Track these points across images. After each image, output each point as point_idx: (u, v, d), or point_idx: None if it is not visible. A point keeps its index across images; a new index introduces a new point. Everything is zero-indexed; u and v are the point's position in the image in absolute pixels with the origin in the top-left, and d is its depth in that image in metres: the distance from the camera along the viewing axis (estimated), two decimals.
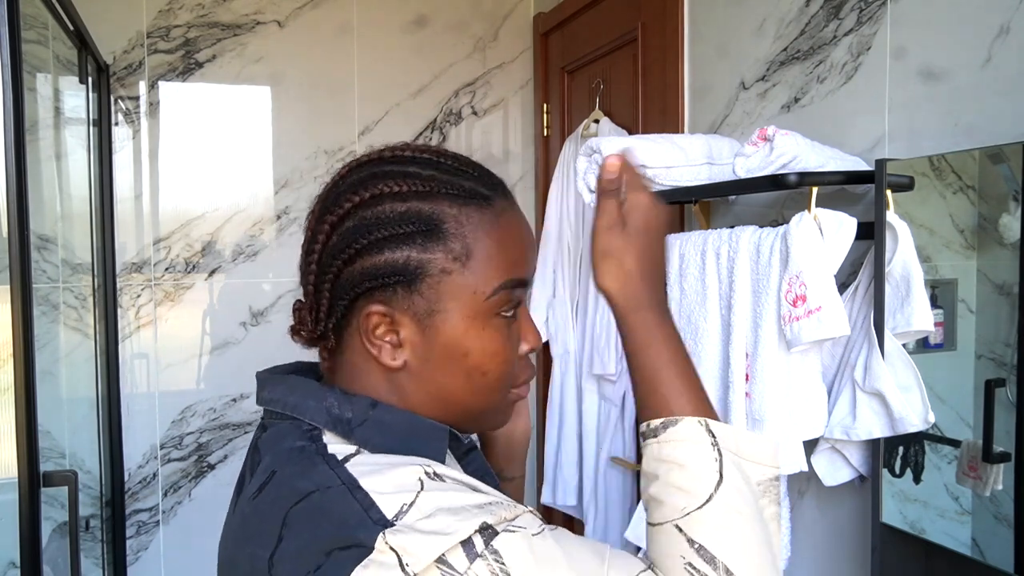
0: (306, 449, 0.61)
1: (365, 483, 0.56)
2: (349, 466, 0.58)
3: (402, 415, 0.64)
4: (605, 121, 1.99)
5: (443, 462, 0.63)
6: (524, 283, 0.66)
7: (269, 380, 0.69)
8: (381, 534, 0.52)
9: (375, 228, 0.61)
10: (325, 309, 0.64)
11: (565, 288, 2.14)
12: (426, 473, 0.57)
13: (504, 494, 0.62)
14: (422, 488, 0.56)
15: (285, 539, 0.56)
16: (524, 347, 0.68)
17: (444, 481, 0.57)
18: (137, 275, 2.22)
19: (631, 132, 1.94)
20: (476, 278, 0.62)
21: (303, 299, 0.67)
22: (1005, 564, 0.98)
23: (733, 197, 1.57)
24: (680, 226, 1.76)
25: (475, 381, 0.64)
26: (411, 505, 0.54)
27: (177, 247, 2.25)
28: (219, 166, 2.27)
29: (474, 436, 0.79)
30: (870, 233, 1.13)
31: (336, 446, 0.61)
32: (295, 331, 0.68)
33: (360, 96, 2.36)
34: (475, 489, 0.58)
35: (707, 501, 0.58)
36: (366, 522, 0.53)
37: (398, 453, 0.61)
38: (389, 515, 0.54)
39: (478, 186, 0.64)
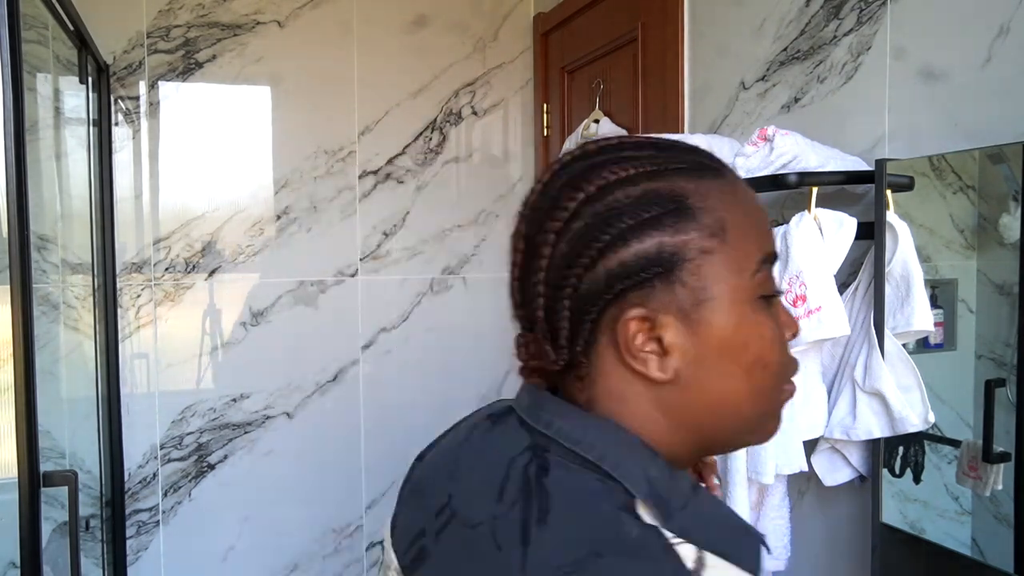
0: (647, 543, 0.49)
1: None
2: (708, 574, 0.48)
3: (718, 506, 0.56)
4: (605, 121, 1.99)
5: (759, 573, 0.53)
6: (776, 257, 0.58)
7: (561, 407, 0.57)
8: None
9: (613, 220, 0.52)
10: (567, 331, 0.54)
11: None
12: None
13: None
14: None
15: None
16: (787, 333, 0.59)
17: None
18: (137, 275, 2.22)
19: (631, 132, 1.94)
20: (738, 253, 0.54)
21: (527, 329, 0.57)
22: (1005, 564, 0.98)
23: None
24: None
25: (755, 378, 0.55)
26: None
27: (177, 247, 2.25)
28: (219, 166, 2.27)
29: None
30: (870, 233, 1.13)
31: (676, 542, 0.49)
32: (532, 370, 0.58)
33: (360, 96, 2.36)
34: None
35: None
36: None
37: (717, 554, 0.50)
38: None
39: (701, 159, 0.57)
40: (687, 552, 0.48)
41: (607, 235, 0.52)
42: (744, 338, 0.54)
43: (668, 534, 0.49)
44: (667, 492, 0.52)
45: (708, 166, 0.56)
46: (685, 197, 0.53)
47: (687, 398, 0.54)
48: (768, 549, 0.62)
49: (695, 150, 0.57)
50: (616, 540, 0.48)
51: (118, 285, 2.20)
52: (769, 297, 0.56)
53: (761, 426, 0.58)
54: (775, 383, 0.57)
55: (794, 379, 0.60)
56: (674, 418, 0.55)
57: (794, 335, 0.60)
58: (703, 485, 0.55)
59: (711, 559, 0.48)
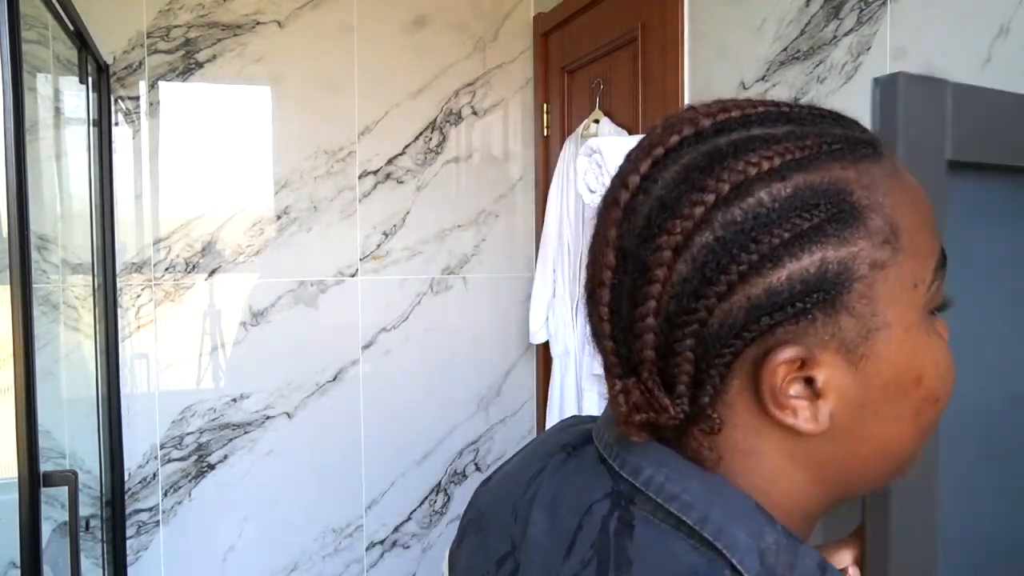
0: None
1: None
2: None
3: None
4: (605, 121, 1.99)
5: None
6: (945, 260, 0.45)
7: (663, 455, 0.44)
8: None
9: (759, 232, 0.39)
10: (688, 378, 0.42)
11: (565, 288, 2.14)
12: None
13: None
14: None
15: None
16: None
17: None
18: (137, 275, 2.22)
19: (631, 132, 1.94)
20: (914, 262, 0.42)
21: (626, 373, 0.44)
22: None
23: None
24: None
25: (924, 417, 0.44)
26: None
27: (177, 247, 2.25)
28: (219, 166, 2.27)
29: None
30: None
31: None
32: (640, 424, 0.43)
33: (360, 96, 2.36)
34: None
35: None
36: None
37: None
38: None
39: (852, 131, 0.43)
40: None
41: (751, 253, 0.39)
42: (919, 370, 0.43)
43: None
44: (785, 571, 0.41)
45: (862, 141, 0.43)
46: (848, 193, 0.40)
47: (838, 450, 0.43)
48: None
49: (839, 118, 0.44)
50: None
51: (118, 285, 2.20)
52: (939, 309, 0.45)
53: (909, 466, 0.47)
54: (937, 417, 0.45)
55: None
56: (816, 472, 0.44)
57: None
58: (831, 567, 0.43)
59: None
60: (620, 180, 0.44)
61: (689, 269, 0.40)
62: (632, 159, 0.44)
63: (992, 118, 0.74)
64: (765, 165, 0.40)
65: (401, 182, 2.41)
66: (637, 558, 0.41)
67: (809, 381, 0.41)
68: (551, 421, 2.17)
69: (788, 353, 0.40)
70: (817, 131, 0.42)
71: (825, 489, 0.45)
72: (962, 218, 0.69)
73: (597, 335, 0.45)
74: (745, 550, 0.41)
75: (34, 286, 1.20)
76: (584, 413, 2.02)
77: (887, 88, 0.62)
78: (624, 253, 0.42)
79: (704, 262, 0.40)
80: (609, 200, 0.44)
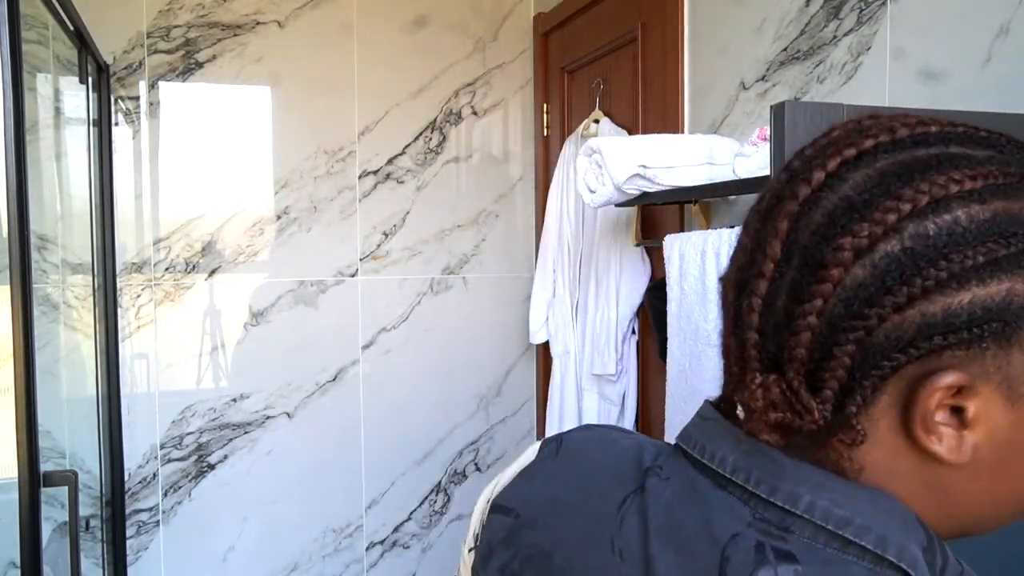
0: None
1: None
2: None
3: None
4: (605, 121, 1.99)
5: None
6: None
7: (821, 478, 0.42)
8: None
9: (952, 251, 0.38)
10: (839, 384, 0.40)
11: (565, 288, 2.14)
12: None
13: None
14: None
15: None
16: None
17: None
18: (137, 275, 2.22)
19: (631, 132, 1.94)
20: None
21: (766, 367, 0.42)
22: None
23: (733, 197, 1.57)
24: (680, 226, 1.77)
25: None
26: None
27: (177, 247, 2.25)
28: (219, 166, 2.27)
29: None
30: None
31: None
32: (772, 423, 0.41)
33: (360, 96, 2.36)
34: None
35: None
36: None
37: None
38: None
39: None
40: None
41: (940, 270, 0.38)
42: None
43: None
44: None
45: None
46: None
47: (975, 486, 0.42)
48: None
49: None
50: None
51: (118, 285, 2.20)
52: None
53: (1014, 519, 0.46)
54: None
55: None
56: (948, 506, 0.43)
57: None
58: None
59: None
60: (800, 174, 0.42)
61: (867, 275, 0.39)
62: (813, 156, 0.43)
63: None
64: (968, 185, 0.39)
65: (401, 182, 2.41)
66: None
67: (957, 410, 0.40)
68: (551, 421, 2.17)
69: (951, 379, 0.39)
70: (1020, 160, 0.42)
71: (954, 523, 0.44)
72: None
73: (741, 326, 0.43)
74: (924, 567, 0.40)
75: (34, 286, 1.20)
76: (584, 413, 2.02)
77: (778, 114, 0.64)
78: (794, 248, 0.41)
79: (886, 271, 0.39)
80: (784, 193, 0.42)
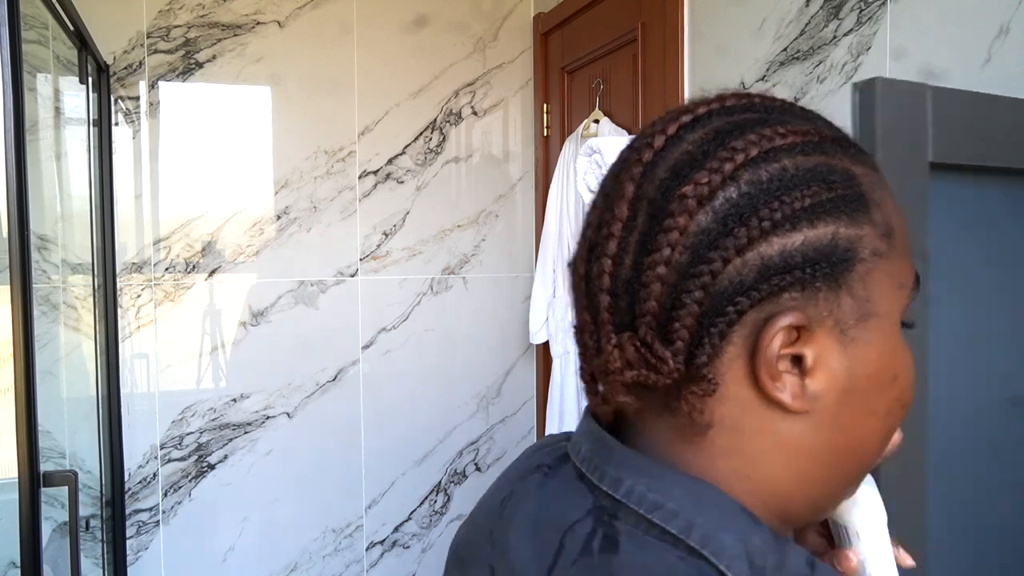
0: None
1: None
2: None
3: None
4: (605, 121, 1.99)
5: None
6: (918, 278, 0.47)
7: (637, 461, 0.44)
8: None
9: (783, 193, 0.40)
10: (689, 333, 0.41)
11: (565, 288, 2.14)
12: None
13: None
14: None
15: None
16: None
17: None
18: (137, 275, 2.22)
19: (631, 132, 1.94)
20: (901, 264, 0.44)
21: (620, 328, 0.43)
22: None
23: None
24: None
25: (892, 418, 0.45)
26: None
27: (177, 247, 2.25)
28: (219, 166, 2.27)
29: None
30: None
31: None
32: (629, 383, 0.42)
33: (360, 96, 2.37)
34: None
35: None
36: None
37: None
38: None
39: (854, 140, 0.47)
40: None
41: (774, 211, 0.40)
42: (896, 369, 0.44)
43: None
44: (774, 573, 0.40)
45: (863, 150, 0.46)
46: (859, 183, 0.43)
47: (820, 436, 0.43)
48: None
49: (842, 130, 0.47)
50: None
51: (118, 285, 2.20)
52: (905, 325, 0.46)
53: (854, 487, 0.48)
54: (898, 424, 0.46)
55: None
56: (800, 462, 0.43)
57: None
58: (820, 563, 0.42)
59: None
60: (643, 139, 0.44)
61: (710, 220, 0.40)
62: (653, 125, 0.45)
63: (973, 120, 0.75)
64: (790, 139, 0.42)
65: (401, 182, 2.41)
66: (622, 574, 0.40)
67: (798, 360, 0.42)
68: (551, 421, 2.17)
69: (790, 318, 0.40)
70: (828, 127, 0.45)
71: (804, 486, 0.44)
72: (945, 219, 0.70)
73: (593, 290, 0.44)
74: (733, 555, 0.40)
75: (34, 286, 1.20)
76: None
77: (865, 93, 0.63)
78: (639, 205, 0.42)
79: (727, 214, 0.40)
80: (630, 159, 0.44)
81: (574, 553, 0.41)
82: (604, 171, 1.58)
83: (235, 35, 2.26)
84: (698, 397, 0.42)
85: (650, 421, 0.45)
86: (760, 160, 0.41)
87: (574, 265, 0.46)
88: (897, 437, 0.48)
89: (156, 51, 2.20)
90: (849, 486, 0.47)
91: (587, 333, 0.45)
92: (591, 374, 0.46)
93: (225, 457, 2.30)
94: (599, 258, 0.43)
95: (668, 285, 0.41)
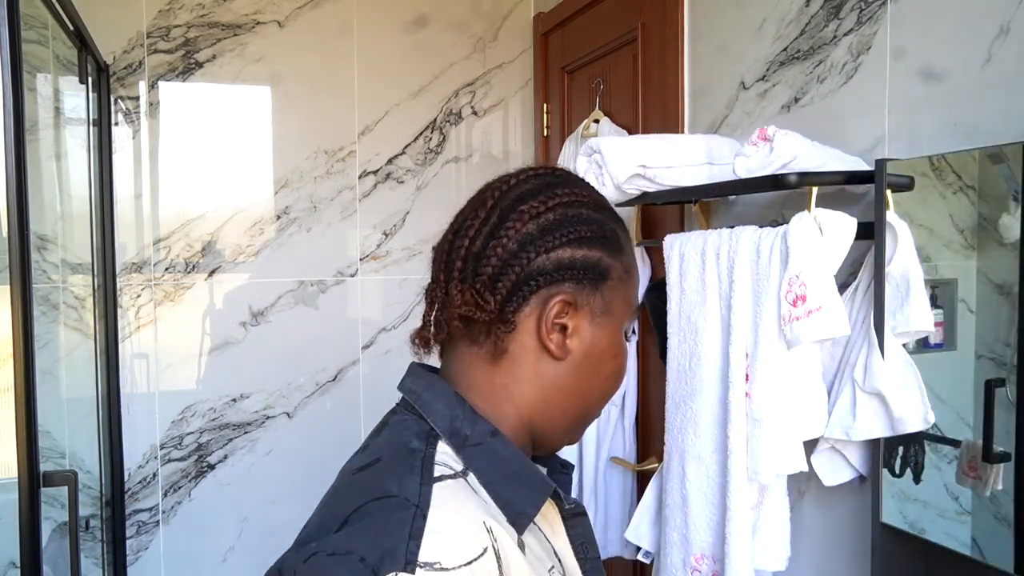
0: (416, 454, 0.63)
1: (432, 515, 0.57)
2: (437, 487, 0.60)
3: (518, 454, 0.66)
4: (605, 121, 1.99)
5: (533, 515, 0.64)
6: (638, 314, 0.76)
7: (416, 372, 0.71)
8: (394, 573, 0.53)
9: (579, 225, 0.67)
10: (506, 292, 0.65)
11: None
12: (493, 551, 0.57)
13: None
14: (472, 561, 0.55)
15: (348, 524, 0.59)
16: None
17: (501, 571, 0.57)
18: (137, 275, 2.22)
19: (631, 132, 1.94)
20: (630, 294, 0.71)
21: (461, 282, 0.67)
22: (1005, 564, 0.98)
23: (733, 197, 1.57)
24: (680, 226, 1.76)
25: (607, 385, 0.71)
26: (446, 570, 0.54)
27: (177, 247, 2.25)
28: (219, 166, 2.27)
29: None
30: (870, 233, 1.13)
31: (445, 456, 0.64)
32: (452, 317, 0.67)
33: (360, 96, 2.36)
34: None
35: None
36: (397, 552, 0.54)
37: (497, 487, 0.63)
38: (421, 558, 0.54)
39: (618, 218, 0.73)
40: (443, 470, 0.62)
41: (572, 233, 0.66)
42: (615, 352, 0.70)
43: (447, 458, 0.63)
44: (463, 430, 0.65)
45: (619, 217, 0.73)
46: (619, 238, 0.70)
47: (565, 378, 0.68)
48: (563, 501, 0.69)
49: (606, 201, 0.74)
50: (395, 453, 0.64)
51: (118, 285, 2.19)
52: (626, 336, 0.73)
53: (581, 428, 0.74)
54: (609, 396, 0.73)
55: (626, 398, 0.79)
56: (547, 390, 0.68)
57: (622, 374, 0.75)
58: (506, 439, 0.66)
59: (459, 482, 0.61)
60: (503, 178, 0.71)
61: (534, 229, 0.66)
62: (509, 173, 0.72)
63: None
64: (586, 198, 0.70)
65: (401, 182, 2.41)
66: (388, 428, 0.68)
67: (565, 328, 0.67)
68: None
69: (566, 296, 0.66)
70: (604, 200, 0.72)
71: (546, 407, 0.69)
72: None
73: (452, 257, 0.68)
74: (439, 417, 0.66)
75: (34, 286, 1.20)
76: None
77: None
78: (495, 211, 0.67)
79: (543, 228, 0.66)
80: (493, 186, 0.70)
81: (384, 419, 0.70)
82: (604, 171, 1.56)
83: (235, 35, 2.26)
84: (503, 332, 0.66)
85: (459, 352, 0.70)
86: (570, 204, 0.68)
87: (439, 244, 0.71)
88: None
89: (156, 51, 2.20)
90: (575, 424, 0.72)
91: (437, 287, 0.69)
92: (425, 322, 0.70)
93: (225, 457, 2.30)
94: (462, 238, 0.67)
95: (501, 260, 0.65)
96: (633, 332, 0.75)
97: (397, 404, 0.71)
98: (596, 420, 1.95)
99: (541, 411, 0.69)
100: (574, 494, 2.07)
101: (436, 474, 0.61)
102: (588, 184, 0.73)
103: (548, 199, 0.67)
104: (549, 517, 0.70)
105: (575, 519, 0.73)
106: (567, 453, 2.07)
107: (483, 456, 0.64)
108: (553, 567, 0.66)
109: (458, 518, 0.58)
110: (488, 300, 0.65)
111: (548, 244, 0.65)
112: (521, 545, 0.62)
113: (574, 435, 0.74)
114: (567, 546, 0.71)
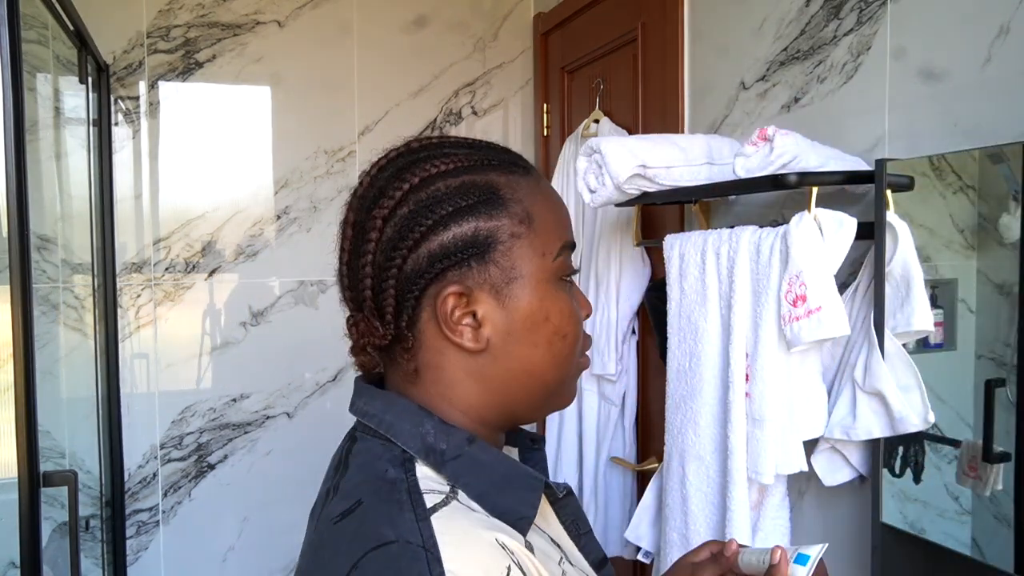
0: (398, 485, 0.58)
1: (445, 554, 0.52)
2: (435, 520, 0.55)
3: (499, 457, 0.62)
4: (605, 121, 1.99)
5: (533, 516, 0.60)
6: (573, 246, 0.67)
7: (366, 391, 0.65)
8: None
9: (435, 207, 0.59)
10: (393, 308, 0.60)
11: None
12: (516, 565, 0.54)
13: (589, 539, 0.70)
14: None
15: None
16: (582, 313, 0.68)
17: None
18: (137, 275, 2.22)
19: (631, 132, 1.94)
20: (542, 240, 0.63)
21: (356, 311, 0.63)
22: (1005, 564, 0.98)
23: (733, 197, 1.57)
24: (680, 226, 1.76)
25: (556, 347, 0.64)
26: None
27: (177, 247, 2.25)
28: (219, 166, 2.27)
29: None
30: (870, 233, 1.13)
31: (429, 480, 0.59)
32: (362, 347, 0.63)
33: (360, 96, 2.36)
34: None
35: None
36: None
37: (490, 497, 0.59)
38: None
39: (513, 157, 0.65)
40: (434, 497, 0.57)
41: (430, 220, 0.59)
42: (546, 312, 0.63)
43: (431, 481, 0.59)
44: (438, 445, 0.60)
45: (518, 164, 0.65)
46: (498, 189, 0.62)
47: (498, 366, 0.63)
48: (555, 490, 0.65)
49: (507, 151, 0.66)
50: (375, 491, 0.58)
51: (118, 285, 2.19)
52: (568, 279, 0.66)
53: (561, 392, 0.67)
54: (572, 352, 0.65)
55: (588, 353, 0.70)
56: (486, 384, 0.63)
57: (588, 315, 0.69)
58: (485, 443, 0.62)
59: (453, 506, 0.57)
60: (359, 181, 0.65)
61: (393, 231, 0.60)
62: (368, 168, 0.65)
63: None
64: (443, 167, 0.61)
65: None
66: (352, 460, 0.63)
67: (475, 315, 0.61)
68: (551, 421, 2.17)
69: (453, 288, 0.60)
70: (485, 153, 0.64)
71: (498, 400, 0.64)
72: None
73: (341, 286, 0.65)
74: (408, 436, 0.61)
75: (34, 286, 1.19)
76: (584, 413, 2.01)
77: None
78: (355, 226, 0.62)
79: (402, 226, 0.60)
80: (351, 194, 0.65)
81: (341, 457, 0.65)
82: (604, 171, 1.56)
83: (235, 35, 2.26)
84: (405, 351, 0.62)
85: (390, 371, 0.66)
86: (421, 186, 0.60)
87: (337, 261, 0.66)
88: (585, 359, 0.68)
89: (156, 51, 2.20)
90: (547, 398, 0.66)
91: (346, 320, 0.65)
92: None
93: (225, 457, 2.30)
94: (340, 264, 0.64)
95: (373, 278, 0.61)
96: (575, 271, 0.66)
97: (353, 430, 0.66)
98: (596, 419, 1.96)
99: (497, 403, 0.64)
100: (572, 490, 2.07)
101: (429, 504, 0.56)
102: (443, 144, 0.64)
103: (396, 191, 0.60)
104: (539, 507, 0.66)
105: (563, 500, 0.70)
106: (568, 453, 2.07)
107: (466, 468, 0.60)
108: (561, 558, 0.64)
109: (472, 548, 0.54)
110: (377, 326, 0.61)
111: (412, 241, 0.59)
112: (529, 547, 0.59)
113: (553, 405, 0.68)
114: (561, 529, 0.69)
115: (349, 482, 0.61)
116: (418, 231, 0.59)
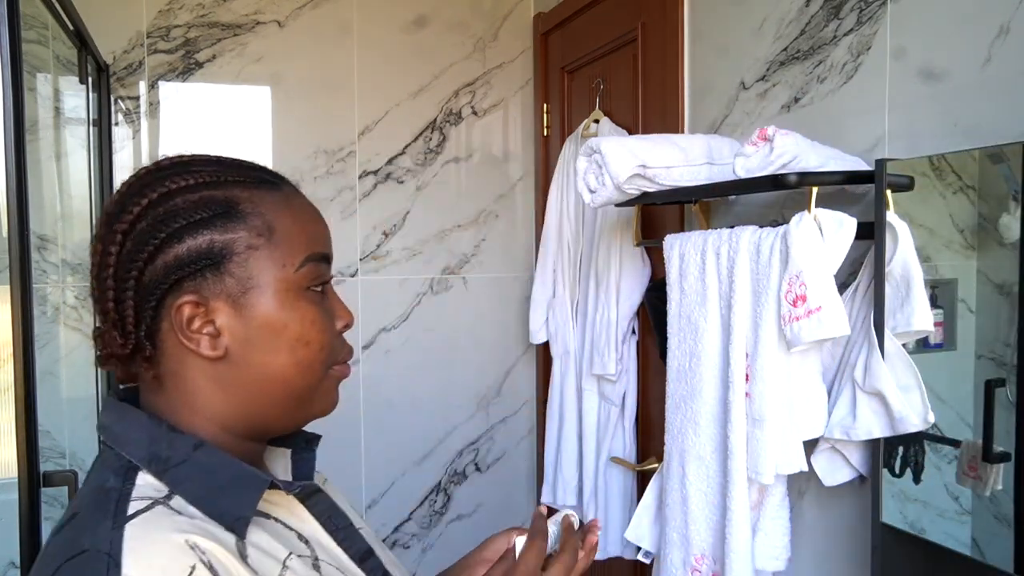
0: (111, 494, 0.60)
1: (126, 560, 0.54)
2: (129, 527, 0.56)
3: (226, 460, 0.63)
4: (605, 121, 1.99)
5: (251, 515, 0.62)
6: (327, 258, 0.70)
7: (108, 403, 0.67)
8: None
9: (170, 220, 0.62)
10: (132, 319, 0.62)
11: (565, 288, 2.14)
12: (203, 564, 0.55)
13: (358, 533, 0.72)
14: None
15: None
16: (339, 323, 0.70)
17: None
18: None
19: (631, 132, 1.94)
20: (282, 251, 0.65)
21: (104, 323, 0.64)
22: (1005, 564, 0.98)
23: (733, 197, 1.57)
24: (680, 226, 1.77)
25: (299, 354, 0.65)
26: None
27: None
28: None
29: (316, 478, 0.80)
30: (870, 233, 1.13)
31: (146, 488, 0.60)
32: (106, 358, 0.65)
33: (360, 96, 2.36)
34: None
35: None
36: None
37: (209, 500, 0.61)
38: None
39: (262, 174, 0.68)
40: (139, 504, 0.59)
41: (164, 233, 0.62)
42: (285, 320, 0.64)
43: (148, 488, 0.60)
44: (162, 453, 0.62)
45: (266, 180, 0.68)
46: (237, 203, 0.64)
47: (240, 373, 0.64)
48: (288, 488, 0.67)
49: (258, 167, 0.69)
50: (90, 501, 0.60)
51: None
52: (318, 289, 0.68)
53: (313, 400, 0.68)
54: (320, 358, 0.67)
55: (349, 363, 0.72)
56: (230, 391, 0.65)
57: (346, 324, 0.70)
58: (213, 447, 0.63)
59: (156, 511, 0.58)
60: (110, 198, 0.66)
61: (132, 244, 0.62)
62: (119, 187, 0.66)
63: None
64: (183, 183, 0.63)
65: (401, 182, 2.41)
66: (89, 474, 0.64)
67: (214, 324, 0.63)
68: (551, 421, 2.17)
69: (187, 298, 0.62)
70: (231, 170, 0.66)
71: (244, 408, 0.66)
72: None
73: (92, 300, 0.65)
74: (135, 447, 0.62)
75: (34, 286, 1.19)
76: (584, 413, 2.01)
77: None
78: (100, 241, 0.64)
79: (140, 240, 0.62)
80: (102, 210, 0.66)
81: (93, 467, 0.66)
82: (604, 171, 1.56)
83: (235, 35, 2.26)
84: (146, 360, 0.64)
85: (141, 382, 0.67)
86: (160, 201, 0.62)
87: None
88: (343, 367, 0.70)
89: (156, 51, 2.20)
90: (299, 404, 0.67)
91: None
92: None
93: None
94: (92, 279, 0.65)
95: (115, 290, 0.62)
96: (325, 281, 0.69)
97: (100, 444, 0.67)
98: (596, 419, 1.96)
99: (243, 410, 0.66)
100: (574, 494, 2.07)
101: (130, 512, 0.58)
102: (192, 161, 0.66)
103: (135, 207, 0.62)
104: (286, 505, 0.69)
105: (313, 497, 0.72)
106: (568, 453, 2.07)
107: (189, 474, 0.61)
108: (291, 554, 0.64)
109: (154, 549, 0.55)
110: (116, 335, 0.63)
111: (147, 254, 0.61)
112: (242, 548, 0.60)
113: (309, 412, 0.70)
114: (317, 525, 0.70)
115: (78, 494, 0.63)
116: (153, 244, 0.61)
